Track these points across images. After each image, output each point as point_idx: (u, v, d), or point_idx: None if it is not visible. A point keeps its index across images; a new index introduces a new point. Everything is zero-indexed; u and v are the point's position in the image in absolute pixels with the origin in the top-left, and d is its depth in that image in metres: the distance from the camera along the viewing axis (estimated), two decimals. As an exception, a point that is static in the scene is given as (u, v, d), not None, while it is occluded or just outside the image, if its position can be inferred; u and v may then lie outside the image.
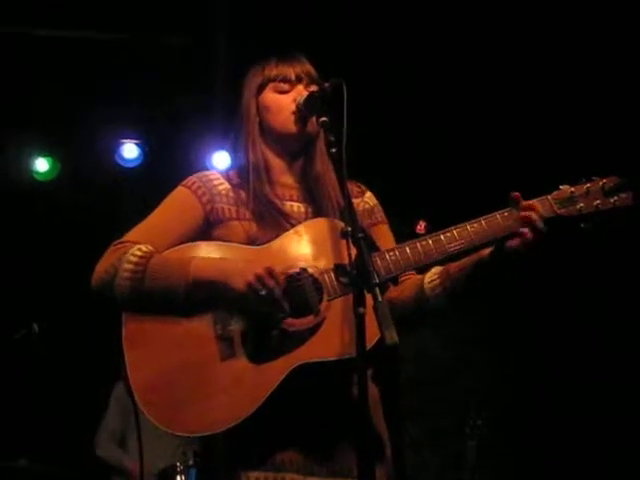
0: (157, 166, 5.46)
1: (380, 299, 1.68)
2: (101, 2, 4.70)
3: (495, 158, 5.32)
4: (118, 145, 5.50)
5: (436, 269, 2.13)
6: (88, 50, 4.95)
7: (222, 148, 5.41)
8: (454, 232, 2.03)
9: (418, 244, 2.03)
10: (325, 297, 1.97)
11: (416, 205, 5.77)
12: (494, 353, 6.17)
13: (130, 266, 2.00)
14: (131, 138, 5.49)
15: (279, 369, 1.92)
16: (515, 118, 5.14)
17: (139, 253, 2.02)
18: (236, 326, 1.97)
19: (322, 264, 2.00)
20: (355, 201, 2.18)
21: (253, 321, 1.96)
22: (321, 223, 2.08)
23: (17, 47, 4.89)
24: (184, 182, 2.21)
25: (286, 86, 2.19)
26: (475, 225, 2.04)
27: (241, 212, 2.14)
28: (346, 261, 1.83)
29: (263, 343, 1.95)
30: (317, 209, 2.16)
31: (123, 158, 5.53)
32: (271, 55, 2.25)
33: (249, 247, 2.07)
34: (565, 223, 2.05)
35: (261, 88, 2.22)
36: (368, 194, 2.31)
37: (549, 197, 2.05)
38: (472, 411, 4.87)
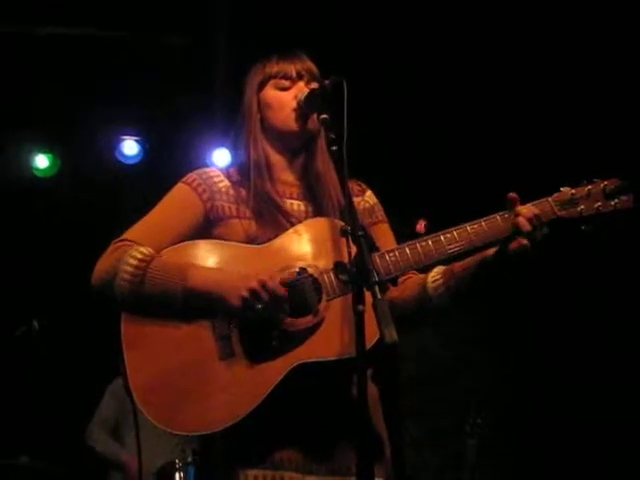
0: (157, 163, 5.46)
1: (379, 297, 1.68)
2: (102, 1, 4.70)
3: (496, 158, 5.31)
4: (118, 142, 5.50)
5: (439, 268, 2.13)
6: (89, 48, 4.95)
7: (222, 145, 5.41)
8: (454, 233, 2.03)
9: (418, 245, 2.02)
10: (324, 297, 1.97)
11: (416, 204, 5.77)
12: (494, 353, 6.17)
13: (130, 269, 2.00)
14: (131, 135, 5.49)
15: (278, 369, 1.92)
16: (516, 118, 5.14)
17: (139, 256, 2.02)
18: (235, 326, 1.97)
19: (322, 264, 2.00)
20: (355, 200, 2.18)
21: (252, 321, 1.96)
22: (321, 222, 2.08)
23: (18, 45, 4.89)
24: (184, 179, 2.20)
25: (287, 83, 2.18)
26: (475, 226, 2.03)
27: (241, 210, 2.13)
28: (346, 260, 1.82)
29: (262, 343, 1.95)
30: (317, 207, 2.16)
31: (123, 155, 5.53)
32: (272, 53, 2.25)
33: (249, 246, 2.06)
34: (566, 225, 2.05)
35: (262, 85, 2.21)
36: (368, 193, 2.31)
37: (550, 199, 2.05)
38: (472, 410, 4.87)
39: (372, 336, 1.76)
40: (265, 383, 1.91)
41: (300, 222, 2.10)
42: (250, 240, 2.08)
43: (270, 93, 2.20)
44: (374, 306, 1.67)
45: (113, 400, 4.85)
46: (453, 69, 4.92)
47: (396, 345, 1.62)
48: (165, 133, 5.51)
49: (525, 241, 1.97)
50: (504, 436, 5.66)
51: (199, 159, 5.34)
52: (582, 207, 2.04)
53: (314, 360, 1.92)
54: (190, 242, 2.09)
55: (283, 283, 1.93)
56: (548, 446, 5.84)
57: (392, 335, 1.64)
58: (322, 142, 2.17)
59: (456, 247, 2.02)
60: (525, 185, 2.09)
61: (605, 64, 4.72)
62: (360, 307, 1.71)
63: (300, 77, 2.19)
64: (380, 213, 2.29)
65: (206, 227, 2.14)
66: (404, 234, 2.27)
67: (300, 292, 1.96)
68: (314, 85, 2.16)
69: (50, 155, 5.53)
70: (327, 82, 2.09)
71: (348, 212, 1.85)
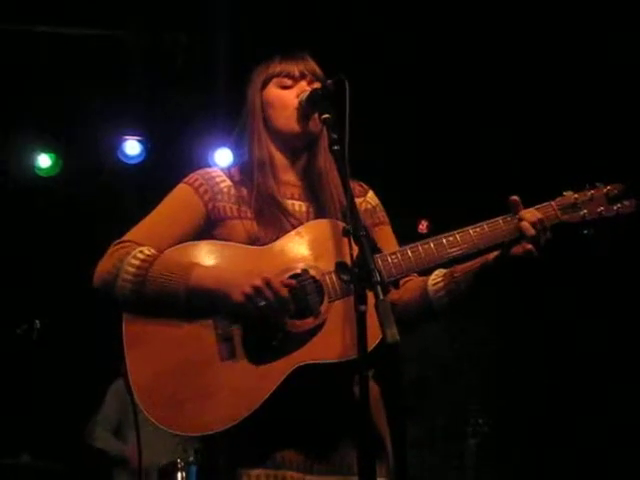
0: (159, 163, 5.46)
1: (382, 297, 1.67)
2: (104, 0, 4.71)
3: (499, 160, 5.31)
4: (120, 142, 5.51)
5: (440, 271, 2.13)
6: (91, 47, 4.96)
7: (224, 145, 5.41)
8: (456, 236, 2.03)
9: (420, 247, 2.02)
10: (326, 299, 1.96)
11: (418, 204, 5.77)
12: (496, 354, 6.17)
13: (132, 269, 2.00)
14: (133, 135, 5.49)
15: (279, 370, 1.92)
16: (520, 121, 5.14)
17: (141, 256, 2.01)
18: (237, 327, 1.97)
19: (323, 265, 2.00)
20: (357, 200, 2.17)
21: (254, 322, 1.96)
22: (323, 224, 2.07)
23: (20, 44, 4.90)
24: (186, 179, 2.20)
25: (289, 82, 2.18)
26: (477, 229, 2.03)
27: (242, 210, 2.13)
28: (348, 261, 1.82)
29: (263, 344, 1.95)
30: (319, 208, 2.16)
31: (125, 155, 5.53)
32: (276, 53, 2.25)
33: (250, 247, 2.06)
34: (568, 229, 2.05)
35: (265, 84, 2.22)
36: (370, 194, 2.31)
37: (553, 203, 2.05)
38: (473, 411, 4.87)
39: (374, 337, 1.76)
40: (266, 384, 1.91)
41: (301, 223, 2.10)
42: (251, 241, 2.07)
43: (272, 91, 2.20)
44: (376, 306, 1.66)
45: (115, 400, 4.85)
46: (457, 70, 4.92)
47: (398, 345, 1.62)
48: (167, 133, 5.52)
49: (529, 245, 1.98)
50: (505, 437, 5.66)
51: (201, 159, 5.35)
52: (585, 211, 2.04)
53: (316, 362, 1.92)
54: (191, 243, 2.08)
55: (286, 283, 1.93)
56: (549, 447, 5.84)
57: (394, 335, 1.64)
58: (324, 142, 2.15)
59: (458, 250, 2.02)
60: (528, 189, 2.09)
61: (610, 69, 4.72)
62: (362, 307, 1.71)
63: (303, 77, 2.18)
64: (382, 214, 2.29)
65: (207, 228, 2.13)
66: (406, 234, 2.27)
67: (302, 294, 1.96)
68: (316, 85, 2.16)
69: (52, 155, 5.54)
70: (329, 82, 2.09)
71: (350, 212, 1.84)
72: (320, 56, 2.25)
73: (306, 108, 2.12)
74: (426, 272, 2.13)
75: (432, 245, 2.02)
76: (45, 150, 5.52)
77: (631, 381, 5.54)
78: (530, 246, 1.98)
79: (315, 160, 2.20)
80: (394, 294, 2.16)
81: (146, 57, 5.06)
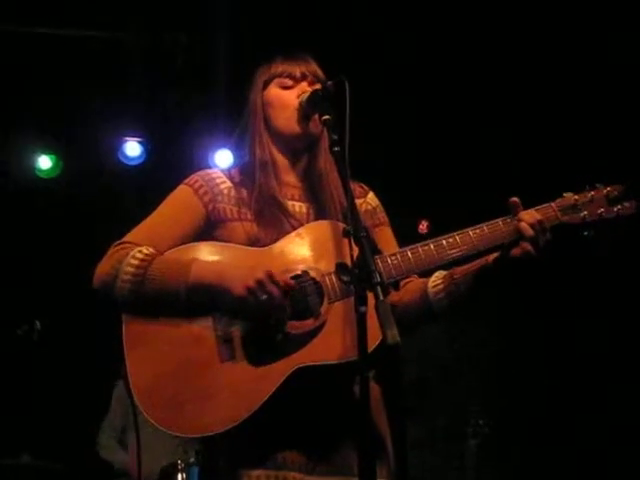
0: (159, 164, 5.46)
1: (382, 298, 1.67)
2: (105, 1, 4.71)
3: (499, 160, 5.31)
4: (121, 143, 5.51)
5: (440, 273, 2.13)
6: (91, 48, 4.96)
7: (225, 146, 5.41)
8: (456, 237, 2.03)
9: (420, 249, 2.02)
10: (326, 300, 1.96)
11: (419, 205, 5.77)
12: (496, 354, 6.17)
13: (131, 269, 2.00)
14: (134, 136, 5.49)
15: (279, 371, 1.92)
16: (520, 122, 5.14)
17: (140, 256, 2.01)
18: (237, 328, 1.97)
19: (324, 267, 2.00)
20: (357, 201, 2.17)
21: (254, 323, 1.96)
22: (323, 226, 2.07)
23: (21, 45, 4.90)
24: (186, 180, 2.20)
25: (290, 82, 2.19)
26: (477, 231, 2.03)
27: (242, 212, 2.13)
28: (348, 262, 1.82)
29: (263, 345, 1.95)
30: (319, 209, 2.16)
31: (126, 156, 5.53)
32: (277, 54, 2.25)
33: (250, 249, 2.06)
34: (568, 231, 2.05)
35: (266, 84, 2.22)
36: (370, 195, 2.31)
37: (553, 204, 2.05)
38: (474, 411, 4.87)
39: (374, 338, 1.76)
40: (266, 386, 1.91)
41: (302, 224, 2.10)
42: (251, 242, 2.07)
43: (273, 91, 2.20)
44: (376, 307, 1.66)
45: (119, 406, 4.86)
46: (457, 72, 4.92)
47: (398, 346, 1.62)
48: (167, 134, 5.52)
49: (528, 246, 1.98)
50: (505, 437, 5.66)
51: (201, 160, 5.35)
52: (585, 213, 2.04)
53: (315, 364, 1.92)
54: (191, 244, 2.08)
55: (287, 283, 1.93)
56: (549, 447, 5.84)
57: (394, 336, 1.63)
58: (325, 143, 2.15)
59: (458, 252, 2.02)
60: (528, 190, 2.09)
61: (611, 71, 4.72)
62: (362, 308, 1.70)
63: (304, 78, 2.19)
64: (382, 215, 2.29)
65: (207, 229, 2.13)
66: (406, 234, 2.27)
67: (302, 295, 1.96)
68: (317, 86, 2.16)
69: (53, 156, 5.54)
70: (329, 83, 2.09)
71: (350, 213, 1.84)
72: (320, 56, 2.26)
73: (306, 109, 2.13)
74: (426, 273, 2.13)
75: (432, 246, 2.02)
76: (45, 151, 5.53)
77: (631, 381, 5.54)
78: (529, 246, 1.98)
79: (315, 161, 2.20)
80: (394, 295, 2.16)
81: (146, 57, 5.06)
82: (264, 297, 1.89)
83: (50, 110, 5.23)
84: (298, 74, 2.19)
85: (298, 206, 2.17)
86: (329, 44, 3.99)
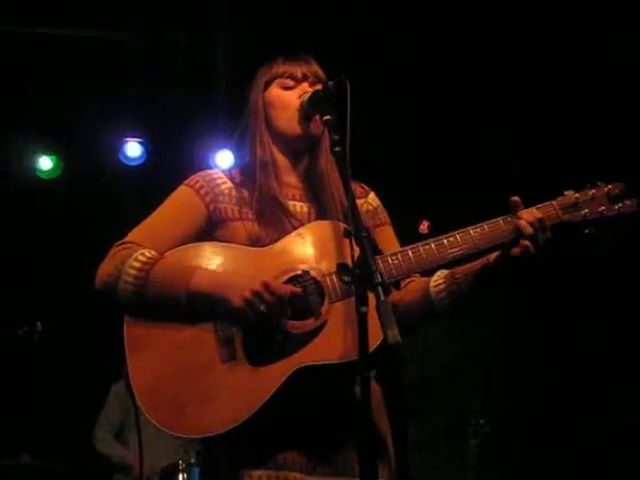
0: (160, 165, 5.47)
1: (383, 298, 1.67)
2: (105, 1, 4.71)
3: (500, 160, 5.31)
4: (121, 144, 5.51)
5: (441, 272, 2.13)
6: (92, 49, 4.96)
7: (225, 147, 5.41)
8: (457, 237, 2.03)
9: (421, 248, 2.02)
10: (327, 300, 1.96)
11: (419, 205, 5.77)
12: (497, 354, 6.17)
13: (133, 271, 2.00)
14: (134, 137, 5.49)
15: (280, 372, 1.92)
16: (519, 119, 5.13)
17: (143, 259, 2.01)
18: (237, 329, 1.97)
19: (324, 267, 2.00)
20: (358, 202, 2.17)
21: (254, 325, 1.95)
22: (324, 225, 2.07)
23: (21, 45, 4.90)
24: (187, 181, 2.20)
25: (291, 83, 2.19)
26: (478, 230, 2.03)
27: (244, 212, 2.13)
28: (349, 262, 1.82)
29: (264, 346, 1.95)
30: (320, 209, 2.16)
31: (126, 157, 5.53)
32: (278, 54, 2.25)
33: (252, 249, 2.06)
34: (569, 229, 2.04)
35: (267, 85, 2.22)
36: (371, 195, 2.31)
37: (554, 202, 2.05)
38: (474, 411, 4.87)
39: (375, 338, 1.76)
40: (267, 386, 1.91)
41: (303, 224, 2.10)
42: (252, 242, 2.07)
43: (274, 92, 2.20)
44: (377, 307, 1.66)
45: (117, 402, 4.86)
46: (457, 71, 4.92)
47: (400, 346, 1.62)
48: (168, 135, 5.52)
49: (528, 244, 1.97)
50: (506, 437, 5.66)
51: (202, 161, 5.35)
52: (586, 211, 2.04)
53: (316, 363, 1.92)
54: (193, 244, 2.08)
55: (287, 290, 1.93)
56: (549, 446, 5.84)
57: (395, 336, 1.63)
58: (326, 144, 2.15)
59: (459, 251, 2.02)
60: (529, 189, 2.09)
61: (612, 69, 4.72)
62: (363, 309, 1.70)
63: (305, 78, 2.19)
64: (383, 215, 2.29)
65: (208, 229, 2.13)
66: (407, 234, 2.27)
67: (303, 295, 1.96)
68: (318, 87, 2.16)
69: (53, 157, 5.55)
70: (330, 83, 2.09)
71: (351, 213, 1.84)
72: (320, 56, 2.26)
73: (307, 110, 2.13)
74: (428, 273, 2.13)
75: (433, 246, 2.02)
76: (46, 152, 5.53)
77: (631, 380, 5.54)
78: (528, 244, 1.97)
79: (317, 162, 2.20)
80: (395, 295, 2.16)
81: (146, 57, 5.06)
82: (262, 308, 1.89)
83: (50, 110, 5.23)
84: (299, 75, 2.19)
85: (299, 206, 2.17)
86: (329, 44, 3.99)
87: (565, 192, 2.07)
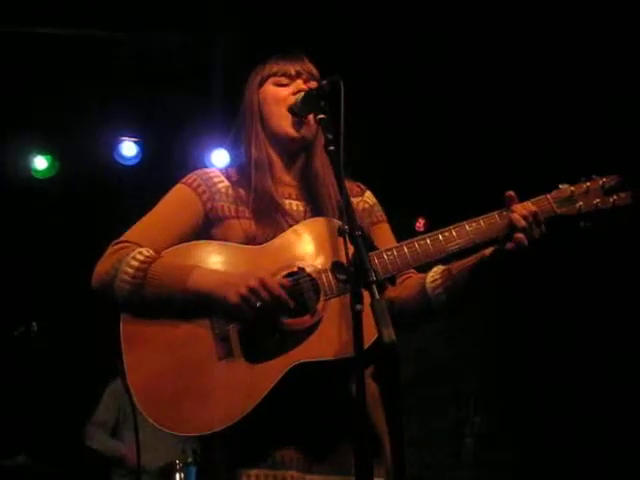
0: (156, 164, 5.46)
1: (377, 296, 1.68)
2: (101, 1, 4.71)
3: (495, 156, 5.32)
4: (117, 143, 5.51)
5: (438, 268, 2.13)
6: (88, 48, 4.96)
7: (221, 146, 5.41)
8: (452, 231, 2.03)
9: (416, 243, 2.02)
10: (322, 297, 1.97)
11: (416, 203, 5.78)
12: (494, 353, 6.17)
13: (130, 270, 2.00)
14: (130, 136, 5.49)
15: (276, 368, 1.92)
16: (515, 116, 5.14)
17: (140, 258, 2.02)
18: (233, 326, 1.97)
19: (320, 263, 2.00)
20: (354, 200, 2.19)
21: (251, 321, 1.96)
22: (320, 222, 2.08)
23: (16, 45, 4.89)
24: (184, 179, 2.21)
25: (285, 80, 2.20)
26: (473, 224, 2.03)
27: (240, 210, 2.13)
28: (344, 259, 1.83)
29: (260, 343, 1.95)
30: (316, 208, 2.16)
31: (122, 156, 5.53)
32: (273, 54, 2.26)
33: (248, 247, 2.06)
34: (564, 222, 2.05)
35: (262, 82, 2.24)
36: (367, 193, 2.31)
37: (549, 196, 2.05)
38: (470, 410, 4.88)
39: (370, 335, 1.76)
40: (263, 383, 1.91)
41: (299, 222, 2.10)
42: (249, 240, 2.08)
43: (268, 88, 2.22)
44: (372, 306, 1.67)
45: (112, 400, 4.86)
46: (452, 68, 4.93)
47: (395, 345, 1.62)
48: (164, 134, 5.52)
49: (521, 237, 1.97)
50: (502, 435, 5.67)
51: (198, 160, 5.35)
52: (581, 204, 2.04)
53: (312, 360, 1.92)
54: (190, 243, 2.09)
55: (281, 283, 1.94)
56: (547, 446, 5.84)
57: (390, 335, 1.63)
58: (321, 143, 2.15)
59: (455, 245, 2.02)
60: (524, 183, 2.09)
61: (605, 63, 4.72)
62: (358, 306, 1.71)
63: (299, 75, 2.20)
64: (379, 213, 2.30)
65: (205, 227, 2.14)
66: (403, 232, 2.27)
67: (298, 292, 1.96)
68: (312, 84, 2.17)
69: (49, 156, 5.54)
70: (324, 82, 2.10)
71: (346, 211, 1.85)
72: (318, 56, 2.26)
73: (301, 110, 2.13)
74: (424, 268, 2.13)
75: (428, 241, 2.02)
76: (41, 152, 5.52)
77: (631, 380, 5.54)
78: (521, 237, 1.96)
79: (312, 161, 2.21)
80: (392, 291, 2.17)
81: (143, 58, 5.06)
82: (258, 304, 1.90)
83: (46, 110, 5.22)
84: (293, 72, 2.20)
85: (295, 205, 2.18)
86: (328, 44, 4.00)
87: (560, 186, 2.07)
